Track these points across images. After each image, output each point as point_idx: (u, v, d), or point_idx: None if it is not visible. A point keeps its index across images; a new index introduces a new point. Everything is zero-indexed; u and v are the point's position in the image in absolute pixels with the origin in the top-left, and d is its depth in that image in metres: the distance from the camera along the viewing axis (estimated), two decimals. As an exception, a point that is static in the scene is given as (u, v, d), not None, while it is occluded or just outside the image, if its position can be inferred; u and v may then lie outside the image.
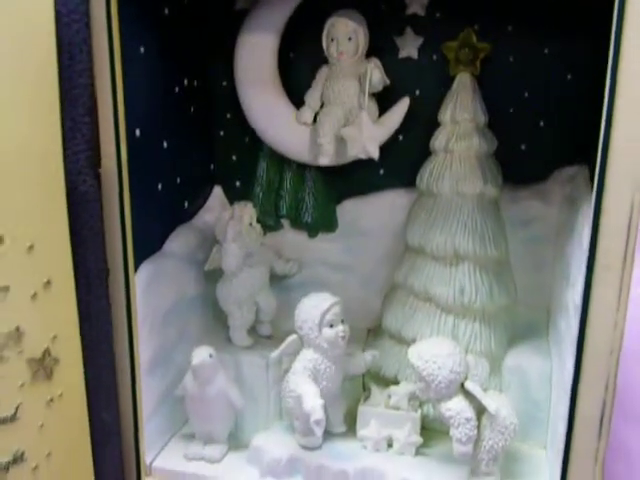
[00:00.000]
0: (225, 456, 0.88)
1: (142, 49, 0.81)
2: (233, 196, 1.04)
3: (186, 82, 0.94)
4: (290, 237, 1.03)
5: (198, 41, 0.96)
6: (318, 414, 0.74)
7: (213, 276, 1.00)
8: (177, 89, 0.92)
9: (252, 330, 0.97)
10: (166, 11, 0.87)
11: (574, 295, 0.74)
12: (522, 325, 0.93)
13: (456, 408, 0.76)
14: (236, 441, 0.91)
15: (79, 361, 0.76)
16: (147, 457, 0.87)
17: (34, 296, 0.70)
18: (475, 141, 0.87)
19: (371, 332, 0.99)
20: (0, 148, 0.64)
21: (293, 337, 0.85)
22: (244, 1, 0.96)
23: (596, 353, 0.68)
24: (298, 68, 0.98)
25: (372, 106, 0.92)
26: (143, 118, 0.82)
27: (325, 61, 0.93)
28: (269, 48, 0.94)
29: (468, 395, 0.77)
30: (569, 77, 0.90)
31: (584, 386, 0.69)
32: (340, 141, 0.92)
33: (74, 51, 0.70)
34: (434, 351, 0.76)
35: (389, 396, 0.87)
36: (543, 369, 0.86)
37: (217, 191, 1.05)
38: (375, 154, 0.90)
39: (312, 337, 0.81)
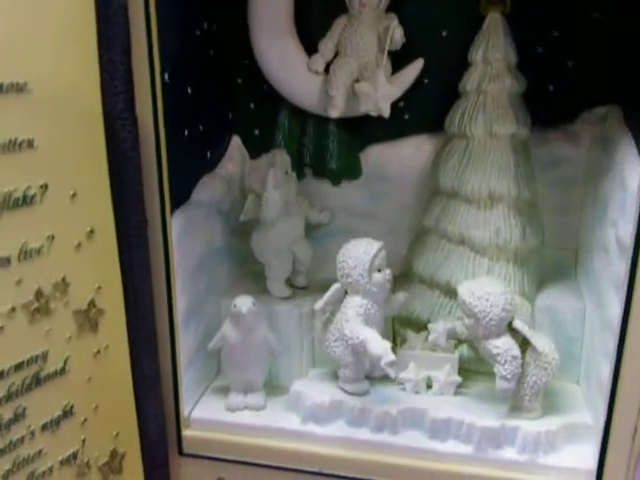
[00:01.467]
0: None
1: (168, -12, 0.77)
2: (252, 145, 1.02)
3: (206, 26, 0.90)
4: (313, 185, 1.01)
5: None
6: (391, 355, 0.74)
7: (238, 227, 0.98)
8: (198, 32, 0.88)
9: (287, 281, 0.96)
10: (188, -52, 0.83)
11: (617, 233, 0.75)
12: (550, 266, 0.94)
13: (504, 346, 0.77)
14: (271, 389, 0.91)
15: (122, 312, 0.75)
16: (185, 409, 0.86)
17: (78, 246, 0.68)
18: (507, 82, 0.86)
19: (398, 278, 0.99)
20: (41, 92, 0.61)
21: (337, 286, 0.83)
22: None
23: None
24: (317, 13, 0.94)
25: (387, 64, 0.91)
26: (170, 62, 0.78)
27: (345, 10, 0.90)
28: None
29: (514, 334, 0.78)
30: (597, 15, 0.89)
31: (634, 322, 0.70)
32: (351, 94, 0.91)
33: (109, -13, 0.66)
34: (487, 289, 0.77)
35: (426, 338, 0.88)
36: (575, 308, 0.88)
37: (236, 140, 1.02)
38: (386, 113, 0.90)
39: (362, 283, 0.81)
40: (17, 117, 0.59)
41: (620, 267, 0.72)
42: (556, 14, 0.89)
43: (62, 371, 0.68)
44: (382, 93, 0.88)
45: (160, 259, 0.79)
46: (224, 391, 0.90)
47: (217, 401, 0.89)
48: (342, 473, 0.82)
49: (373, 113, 0.90)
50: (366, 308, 0.81)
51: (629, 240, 0.69)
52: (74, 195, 0.66)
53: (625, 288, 0.69)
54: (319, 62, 0.92)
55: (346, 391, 0.85)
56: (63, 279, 0.66)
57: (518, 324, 0.77)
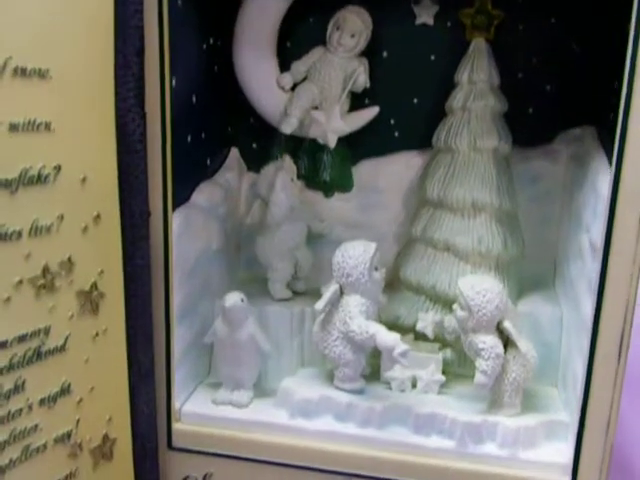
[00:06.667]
0: (252, 402, 0.91)
1: (179, 0, 0.83)
2: (250, 158, 1.07)
3: (212, 41, 0.96)
4: (306, 197, 1.06)
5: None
6: (403, 345, 0.78)
7: (234, 236, 1.03)
8: (205, 46, 0.94)
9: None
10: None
11: (590, 237, 0.80)
12: (530, 278, 0.99)
13: (490, 342, 0.81)
14: (261, 390, 0.93)
15: (122, 298, 0.78)
16: (176, 403, 0.88)
17: (85, 229, 0.71)
18: (491, 100, 0.93)
19: (385, 287, 1.03)
20: (60, 80, 0.66)
21: (335, 286, 0.86)
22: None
23: (617, 285, 0.73)
24: (301, 37, 1.01)
25: (345, 102, 0.99)
26: (178, 68, 0.84)
27: (325, 42, 0.98)
28: (273, 11, 0.97)
29: (500, 334, 0.82)
30: (574, 45, 0.97)
31: (605, 319, 0.73)
32: (306, 118, 0.98)
33: (128, -8, 0.72)
34: (486, 286, 0.81)
35: (412, 340, 0.91)
36: (553, 314, 0.92)
37: (234, 153, 1.07)
38: (332, 144, 0.98)
39: (363, 281, 0.84)
40: (37, 100, 0.64)
41: (592, 268, 0.77)
42: (536, 43, 0.97)
43: (62, 348, 0.71)
44: (332, 126, 0.97)
45: (160, 252, 0.82)
46: (216, 388, 0.92)
47: (208, 397, 0.91)
48: (328, 467, 0.84)
49: (321, 141, 0.99)
50: (366, 306, 0.85)
51: (600, 239, 0.74)
52: (84, 179, 0.70)
53: (597, 284, 0.74)
54: (288, 80, 1.00)
55: (344, 389, 0.87)
56: (69, 259, 0.70)
57: (507, 325, 0.81)
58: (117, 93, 0.73)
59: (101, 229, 0.73)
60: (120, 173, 0.74)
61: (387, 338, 0.80)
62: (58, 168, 0.67)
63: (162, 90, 0.78)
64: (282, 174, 0.94)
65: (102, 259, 0.74)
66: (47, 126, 0.65)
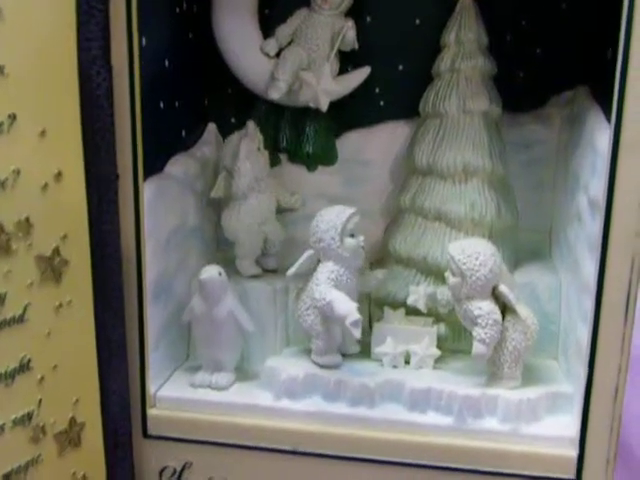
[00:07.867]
0: (232, 385, 0.84)
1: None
2: (228, 133, 1.01)
3: (185, 6, 0.91)
4: (288, 171, 1.01)
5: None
6: (356, 314, 0.72)
7: (211, 210, 0.97)
8: (177, 10, 0.89)
9: (257, 263, 0.94)
10: None
11: (589, 196, 0.76)
12: (525, 249, 0.94)
13: (486, 308, 0.75)
14: (243, 372, 0.87)
15: (88, 267, 0.71)
16: (151, 387, 0.82)
17: (45, 187, 0.65)
18: (480, 60, 0.88)
19: (373, 265, 0.97)
20: (15, 20, 0.60)
21: (309, 252, 0.82)
22: None
23: (621, 240, 0.68)
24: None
25: (335, 63, 0.94)
26: (148, 28, 0.78)
27: (309, 3, 0.94)
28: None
29: (497, 300, 0.77)
30: (563, 6, 0.93)
31: (609, 278, 0.69)
32: (294, 83, 0.93)
33: None
34: (478, 248, 0.76)
35: (403, 314, 0.86)
36: (551, 283, 0.87)
37: (211, 127, 1.02)
38: (324, 107, 0.93)
39: (334, 247, 0.79)
40: (-12, 40, 0.58)
41: (593, 227, 0.72)
42: (523, 4, 0.93)
43: (20, 319, 0.64)
44: (323, 86, 0.92)
45: (130, 220, 0.76)
46: (196, 372, 0.86)
47: (186, 381, 0.85)
48: (318, 450, 0.78)
49: (312, 104, 0.93)
50: (338, 274, 0.79)
51: (600, 194, 0.69)
52: (43, 132, 0.64)
53: (600, 241, 0.69)
54: (272, 46, 0.95)
55: (318, 364, 0.82)
56: (27, 219, 0.63)
57: (503, 289, 0.76)
58: (79, 42, 0.67)
59: (63, 188, 0.67)
60: (84, 129, 0.69)
61: (342, 306, 0.74)
62: (13, 117, 0.61)
63: (130, 46, 0.72)
64: (246, 141, 0.87)
65: (65, 222, 0.68)
66: (0, 70, 0.59)
